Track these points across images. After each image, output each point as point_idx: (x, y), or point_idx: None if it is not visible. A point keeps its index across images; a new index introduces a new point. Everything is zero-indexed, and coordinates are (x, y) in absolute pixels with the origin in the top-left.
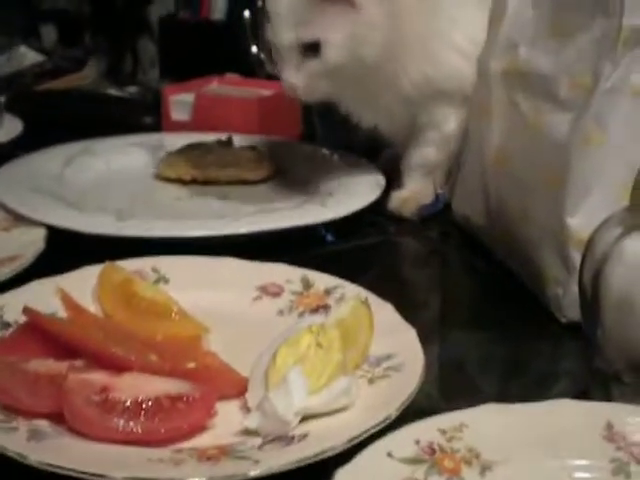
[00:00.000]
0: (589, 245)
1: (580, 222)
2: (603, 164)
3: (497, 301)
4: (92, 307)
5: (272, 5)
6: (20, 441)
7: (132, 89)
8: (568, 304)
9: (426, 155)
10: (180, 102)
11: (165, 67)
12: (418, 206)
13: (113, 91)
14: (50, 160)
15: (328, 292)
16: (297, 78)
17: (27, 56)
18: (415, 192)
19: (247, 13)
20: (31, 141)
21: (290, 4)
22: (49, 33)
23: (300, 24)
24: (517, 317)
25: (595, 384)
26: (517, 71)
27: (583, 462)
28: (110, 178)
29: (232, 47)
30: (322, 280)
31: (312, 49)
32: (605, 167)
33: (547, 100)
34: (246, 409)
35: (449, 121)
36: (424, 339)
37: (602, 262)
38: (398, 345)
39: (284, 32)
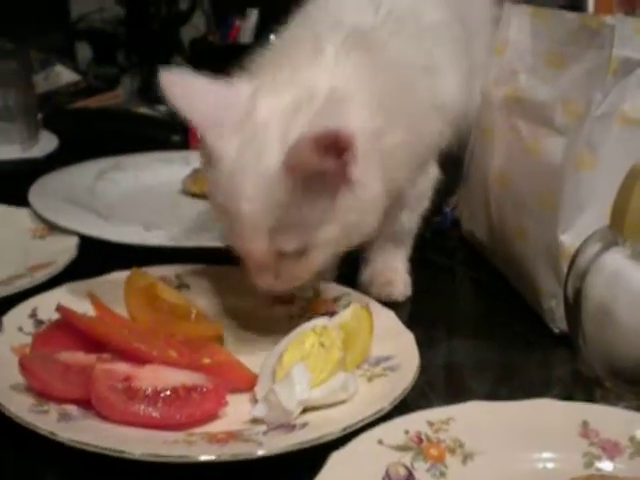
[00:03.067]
0: (574, 259)
1: (572, 239)
2: (594, 186)
3: (496, 312)
4: (118, 309)
5: (229, 203)
6: (51, 422)
7: (162, 108)
8: (561, 316)
9: (409, 220)
10: None
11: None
12: (405, 284)
13: (144, 109)
14: (83, 174)
15: (336, 300)
16: (275, 284)
17: (62, 75)
18: (398, 269)
19: (273, 37)
20: (66, 156)
21: (260, 197)
22: (84, 52)
23: (277, 228)
24: (513, 327)
25: (578, 388)
26: (517, 97)
27: (556, 455)
28: (138, 192)
29: None
30: (331, 289)
31: (296, 254)
32: (596, 188)
33: (544, 125)
34: (255, 401)
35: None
36: (424, 344)
37: (584, 274)
38: (397, 348)
39: (255, 241)
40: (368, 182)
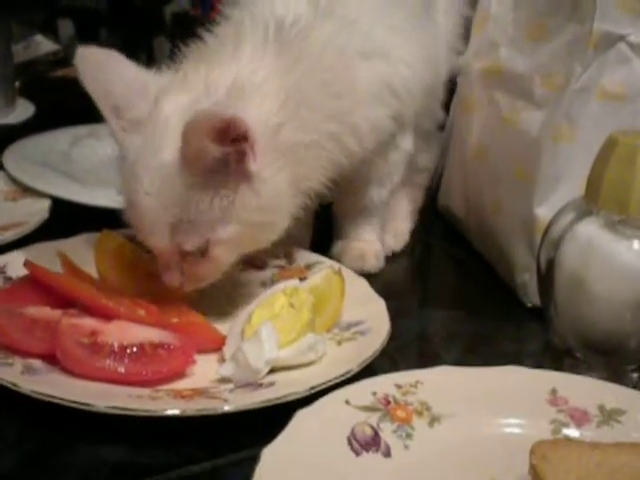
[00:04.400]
0: (547, 229)
1: (547, 213)
2: (571, 159)
3: (470, 286)
4: (88, 270)
5: (131, 196)
6: (15, 374)
7: None
8: (534, 290)
9: (378, 195)
10: None
11: (175, 61)
12: (377, 256)
13: None
14: (58, 140)
15: (308, 267)
16: (182, 280)
17: (42, 45)
18: (370, 241)
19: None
20: (41, 124)
21: (158, 192)
22: (66, 28)
23: (177, 225)
24: (487, 300)
25: (548, 360)
26: (497, 70)
27: (524, 421)
28: (113, 159)
29: None
30: (304, 256)
31: (199, 252)
32: (573, 161)
33: (522, 98)
34: (223, 361)
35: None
36: (396, 313)
37: (557, 244)
38: (367, 314)
39: (156, 237)
40: (270, 178)
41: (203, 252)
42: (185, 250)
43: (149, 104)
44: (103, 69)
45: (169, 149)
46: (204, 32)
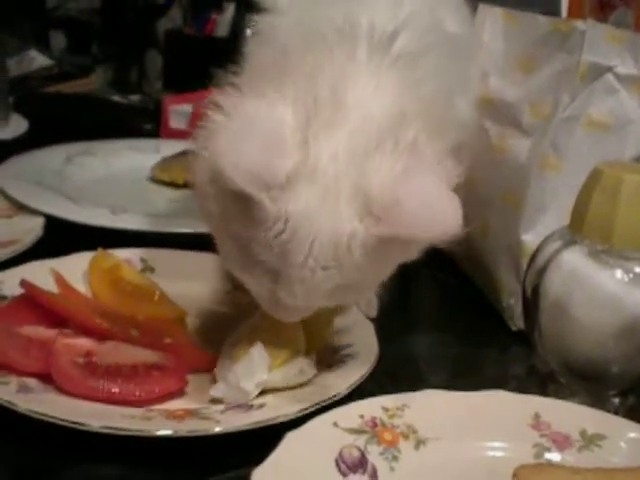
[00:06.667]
0: (533, 257)
1: (534, 239)
2: (558, 187)
3: (456, 309)
4: (82, 289)
5: (287, 255)
6: (10, 392)
7: (135, 97)
8: (519, 314)
9: None
10: (179, 112)
11: (168, 78)
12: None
13: (117, 98)
14: (52, 157)
15: None
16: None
17: (36, 59)
18: None
19: (249, 32)
20: (35, 140)
21: (330, 263)
22: (58, 40)
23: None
24: (473, 324)
25: (532, 384)
26: (487, 99)
27: (507, 444)
28: (108, 178)
29: (233, 63)
30: None
31: None
32: (559, 190)
33: (511, 126)
34: (214, 382)
35: None
36: (383, 336)
37: (542, 271)
38: (356, 337)
39: (302, 301)
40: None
41: None
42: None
43: (292, 153)
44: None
45: (344, 212)
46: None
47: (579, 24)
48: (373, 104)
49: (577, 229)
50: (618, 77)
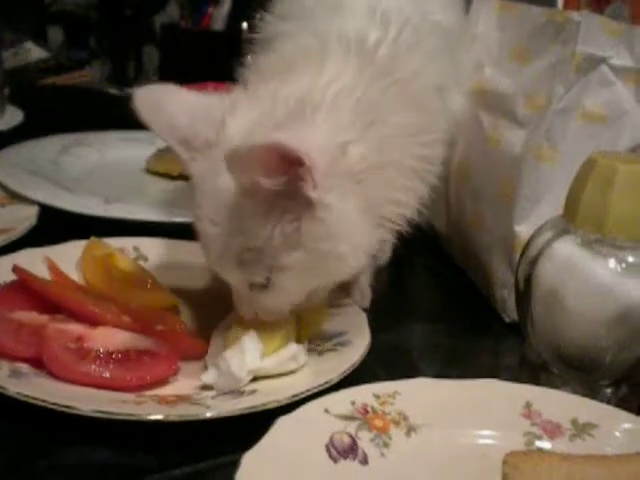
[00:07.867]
0: (526, 246)
1: (527, 230)
2: (552, 179)
3: (450, 300)
4: (75, 276)
5: (199, 226)
6: (2, 377)
7: (132, 91)
8: (512, 305)
9: None
10: None
11: (165, 72)
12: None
13: (113, 91)
14: (47, 147)
15: None
16: (254, 313)
17: (33, 51)
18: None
19: (245, 25)
20: (30, 131)
21: (221, 222)
22: (55, 34)
23: (244, 255)
24: (466, 315)
25: (525, 374)
26: (481, 90)
27: (498, 433)
28: (102, 168)
29: (230, 56)
30: None
31: (267, 282)
32: (553, 181)
33: (505, 117)
34: (206, 369)
35: None
36: (376, 326)
37: (535, 261)
38: (349, 325)
39: (225, 270)
40: (335, 204)
41: (269, 282)
42: (253, 282)
43: (216, 126)
44: (163, 105)
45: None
46: (258, 48)
47: (574, 15)
48: (299, 89)
49: (570, 218)
50: (613, 69)
